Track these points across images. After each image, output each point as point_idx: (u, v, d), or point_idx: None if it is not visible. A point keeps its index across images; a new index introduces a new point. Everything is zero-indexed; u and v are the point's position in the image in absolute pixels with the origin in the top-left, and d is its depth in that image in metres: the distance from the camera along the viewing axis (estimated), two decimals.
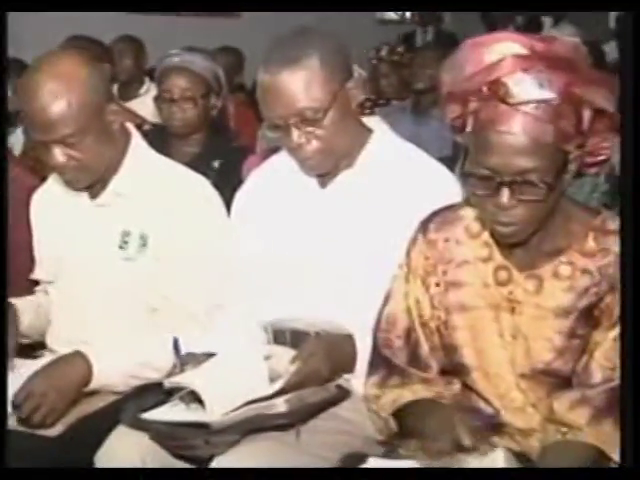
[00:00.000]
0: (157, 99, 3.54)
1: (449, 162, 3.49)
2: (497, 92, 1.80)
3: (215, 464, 1.96)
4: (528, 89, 1.79)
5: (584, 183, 3.46)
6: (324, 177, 2.32)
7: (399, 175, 2.29)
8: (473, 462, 1.76)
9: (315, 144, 2.20)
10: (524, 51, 1.82)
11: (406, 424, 2.00)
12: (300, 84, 2.16)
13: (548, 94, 1.79)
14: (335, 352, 2.16)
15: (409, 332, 2.06)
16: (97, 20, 4.95)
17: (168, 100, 3.45)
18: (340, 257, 2.27)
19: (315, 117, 2.17)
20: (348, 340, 2.20)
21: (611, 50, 6.82)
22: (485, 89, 1.82)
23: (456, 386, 2.03)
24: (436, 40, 8.16)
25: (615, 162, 3.85)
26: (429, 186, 2.26)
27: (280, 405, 2.01)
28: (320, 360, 2.11)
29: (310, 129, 2.19)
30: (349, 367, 2.19)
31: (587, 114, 1.84)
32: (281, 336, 2.33)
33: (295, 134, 2.19)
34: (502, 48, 1.83)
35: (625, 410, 1.65)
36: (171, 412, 2.05)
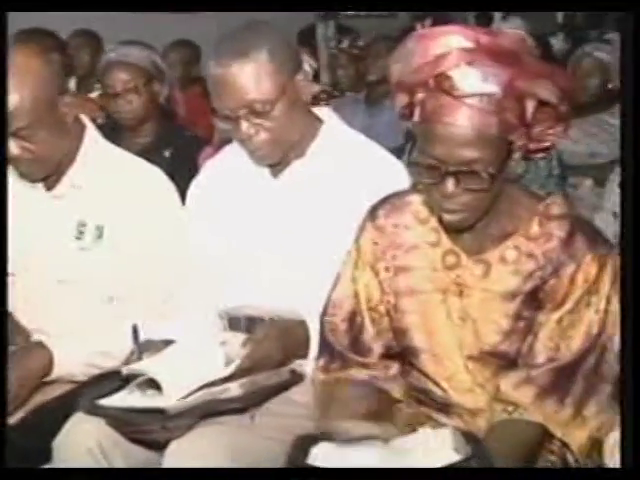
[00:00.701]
0: (102, 96, 3.56)
1: (400, 152, 3.52)
2: (443, 85, 1.81)
3: (171, 448, 1.96)
4: (473, 82, 1.80)
5: (540, 170, 3.49)
6: (276, 167, 2.33)
7: (349, 164, 2.30)
8: (420, 441, 1.76)
9: (264, 135, 2.21)
10: (470, 44, 1.82)
11: (349, 407, 1.99)
12: (249, 77, 2.17)
13: (492, 88, 1.80)
14: (287, 337, 2.17)
15: (354, 316, 2.06)
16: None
17: (112, 95, 3.49)
18: (293, 245, 2.28)
19: (264, 109, 2.18)
20: (301, 325, 2.20)
21: (558, 42, 6.88)
22: (431, 81, 1.83)
23: (393, 369, 2.04)
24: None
25: (562, 147, 3.93)
26: (378, 174, 2.27)
27: (234, 389, 2.02)
28: (272, 344, 2.12)
29: (259, 121, 2.19)
30: (302, 352, 2.19)
31: (531, 106, 1.84)
32: (236, 323, 2.34)
33: (244, 126, 2.19)
34: (448, 41, 1.83)
35: (625, 410, 1.64)
36: (128, 398, 2.04)
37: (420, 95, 1.85)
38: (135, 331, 2.19)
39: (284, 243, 2.29)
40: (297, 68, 2.25)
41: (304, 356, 2.20)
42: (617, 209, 3.38)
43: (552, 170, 3.50)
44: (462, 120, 1.80)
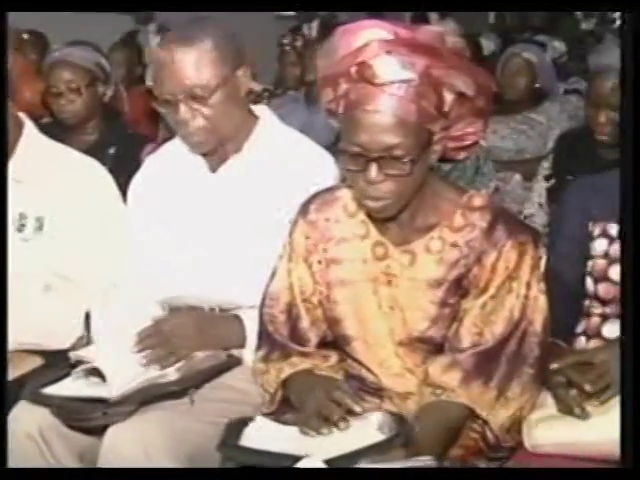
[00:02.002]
0: (45, 95, 3.53)
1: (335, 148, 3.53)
2: (364, 73, 1.83)
3: (109, 433, 1.96)
4: (391, 70, 1.82)
5: (467, 167, 3.53)
6: (214, 162, 2.34)
7: (284, 159, 2.32)
8: (354, 425, 1.78)
9: (200, 121, 2.22)
10: (389, 36, 1.85)
11: (289, 395, 2.01)
12: (191, 62, 2.19)
13: (410, 75, 1.82)
14: (208, 327, 2.20)
15: (291, 308, 2.06)
16: None
17: (55, 94, 3.46)
18: (231, 236, 2.29)
19: (202, 94, 2.20)
20: (235, 317, 2.24)
21: (489, 43, 6.95)
22: (353, 71, 1.84)
23: (332, 359, 2.04)
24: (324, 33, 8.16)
25: (487, 145, 3.97)
26: (312, 169, 2.29)
27: (172, 374, 2.05)
28: (188, 331, 2.16)
29: (197, 106, 2.21)
30: (238, 342, 2.22)
31: (448, 97, 1.87)
32: (177, 312, 2.34)
33: (182, 109, 2.21)
34: (369, 34, 1.85)
35: (625, 410, 1.63)
36: (72, 387, 2.04)
37: (344, 86, 1.87)
38: (87, 318, 2.20)
39: (222, 235, 2.29)
40: (239, 64, 2.26)
41: (241, 346, 2.22)
42: (543, 200, 3.45)
43: (480, 168, 3.54)
44: (383, 107, 1.82)
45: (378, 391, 2.02)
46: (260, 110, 2.41)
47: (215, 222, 2.32)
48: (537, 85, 4.65)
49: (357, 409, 1.81)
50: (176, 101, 2.20)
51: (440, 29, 1.94)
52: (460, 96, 1.88)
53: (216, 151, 2.31)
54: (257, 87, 5.35)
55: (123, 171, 2.70)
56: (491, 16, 13.70)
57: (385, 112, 1.82)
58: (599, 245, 2.06)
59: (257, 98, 5.16)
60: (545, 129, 4.48)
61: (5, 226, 2.27)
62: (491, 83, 1.96)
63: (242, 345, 2.21)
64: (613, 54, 2.99)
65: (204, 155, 2.34)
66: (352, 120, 1.85)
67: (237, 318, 2.24)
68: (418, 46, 1.84)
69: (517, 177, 4.32)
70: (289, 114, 4.66)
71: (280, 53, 5.66)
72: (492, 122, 4.47)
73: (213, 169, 2.35)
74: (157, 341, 2.13)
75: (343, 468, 1.62)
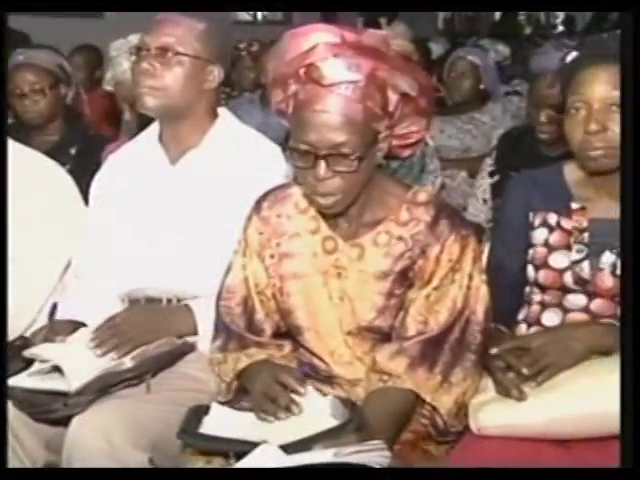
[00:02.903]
0: (10, 97, 3.50)
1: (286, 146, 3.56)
2: (312, 74, 1.84)
3: (73, 423, 1.96)
4: (338, 72, 1.83)
5: (413, 165, 3.56)
6: (174, 154, 2.37)
7: (240, 155, 2.34)
8: (308, 412, 1.79)
9: (155, 81, 2.29)
10: (336, 40, 1.86)
11: (245, 384, 2.02)
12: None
13: (356, 76, 1.83)
14: (159, 318, 2.22)
15: (246, 300, 2.07)
16: None
17: (19, 95, 3.44)
18: (189, 229, 2.30)
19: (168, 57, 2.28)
20: (185, 307, 2.25)
21: (437, 47, 6.99)
22: (302, 72, 1.85)
23: (287, 348, 2.05)
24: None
25: (435, 144, 4.00)
26: (266, 166, 2.31)
27: (127, 362, 2.04)
28: (135, 325, 2.16)
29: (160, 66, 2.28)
30: (182, 331, 2.23)
31: (393, 97, 1.89)
32: (136, 304, 2.34)
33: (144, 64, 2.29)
34: (317, 37, 1.86)
35: (625, 410, 1.61)
36: (31, 380, 2.03)
37: (293, 87, 1.87)
38: (53, 309, 2.21)
39: (181, 227, 2.31)
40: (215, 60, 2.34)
41: (193, 334, 2.23)
42: (487, 196, 3.48)
43: (426, 166, 3.57)
44: (331, 107, 1.83)
45: (329, 378, 2.03)
46: (220, 110, 2.44)
47: (173, 215, 2.33)
48: (481, 87, 4.69)
49: (300, 390, 1.83)
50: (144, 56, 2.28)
51: (385, 33, 1.96)
52: (404, 96, 1.90)
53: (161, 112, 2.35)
54: (214, 93, 5.34)
55: (84, 170, 2.72)
56: (440, 21, 13.85)
57: (332, 112, 1.83)
58: (539, 234, 2.08)
59: (214, 104, 5.15)
60: (489, 128, 4.53)
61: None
62: (432, 84, 1.98)
63: (194, 333, 2.23)
64: (552, 58, 3.03)
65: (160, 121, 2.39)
66: (301, 119, 1.86)
67: (187, 308, 2.25)
68: (363, 49, 1.86)
69: (463, 174, 4.36)
70: (245, 115, 4.64)
71: (236, 57, 5.66)
72: (439, 122, 4.54)
73: (172, 162, 2.37)
74: (111, 333, 2.13)
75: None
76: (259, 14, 10.92)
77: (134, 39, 2.93)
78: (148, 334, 2.15)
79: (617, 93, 1.93)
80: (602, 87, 1.95)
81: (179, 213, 2.33)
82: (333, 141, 1.83)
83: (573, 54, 2.04)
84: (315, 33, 1.87)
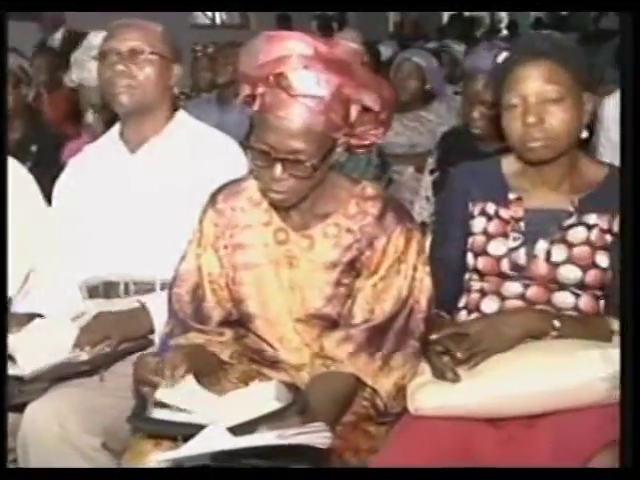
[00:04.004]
0: None
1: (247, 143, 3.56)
2: (281, 83, 1.82)
3: (28, 410, 1.93)
4: (307, 85, 1.82)
5: (360, 160, 3.56)
6: (133, 144, 2.41)
7: (197, 144, 2.39)
8: (248, 394, 1.79)
9: (128, 80, 2.34)
10: (309, 51, 1.84)
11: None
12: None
13: (322, 91, 1.82)
14: (126, 322, 2.20)
15: (197, 288, 2.06)
16: None
17: None
18: (147, 215, 2.31)
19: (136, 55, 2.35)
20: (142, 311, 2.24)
21: (386, 50, 7.01)
22: (271, 78, 1.84)
23: (227, 335, 2.05)
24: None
25: (386, 139, 4.01)
26: (222, 158, 2.34)
27: (83, 355, 2.02)
28: (106, 330, 2.14)
29: (129, 65, 2.34)
30: (141, 332, 2.23)
31: (355, 110, 1.88)
32: (94, 291, 2.35)
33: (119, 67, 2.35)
34: (291, 45, 1.84)
35: (625, 410, 1.58)
36: None
37: (261, 89, 1.86)
38: (10, 301, 2.20)
39: (140, 214, 2.32)
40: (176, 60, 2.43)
41: (151, 332, 2.23)
42: (429, 193, 3.50)
43: (371, 161, 3.58)
44: (294, 115, 1.82)
45: (275, 364, 2.03)
46: (178, 112, 2.49)
47: (132, 202, 2.33)
48: (427, 87, 4.72)
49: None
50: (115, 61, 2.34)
51: (357, 46, 1.94)
52: (365, 108, 1.90)
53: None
54: (175, 90, 5.33)
55: (44, 167, 2.77)
56: (390, 25, 13.92)
57: (295, 119, 1.82)
58: (478, 223, 2.10)
59: (175, 100, 5.13)
60: (434, 126, 4.55)
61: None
62: (395, 98, 1.98)
63: (151, 332, 2.22)
64: (483, 58, 3.06)
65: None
66: (264, 121, 1.85)
67: (144, 308, 2.25)
68: (334, 62, 1.84)
69: (410, 170, 4.39)
70: (203, 114, 4.63)
71: (193, 59, 5.65)
72: None
73: (132, 151, 2.40)
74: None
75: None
76: (217, 17, 10.88)
77: (95, 39, 2.91)
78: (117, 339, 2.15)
79: (551, 87, 1.97)
80: (536, 83, 1.97)
81: (138, 200, 2.34)
82: (292, 147, 1.83)
83: (504, 54, 2.07)
84: (289, 41, 1.85)
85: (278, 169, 1.85)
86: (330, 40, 1.91)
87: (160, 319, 2.16)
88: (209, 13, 10.80)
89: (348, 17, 11.77)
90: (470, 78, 3.23)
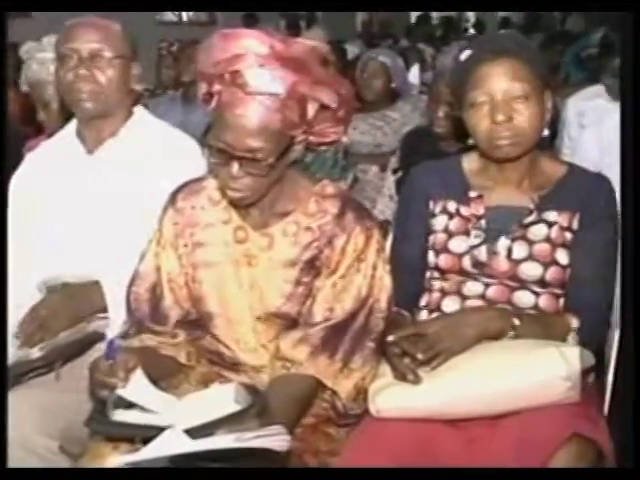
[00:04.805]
0: None
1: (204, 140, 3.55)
2: (236, 81, 1.81)
3: None
4: (262, 82, 1.80)
5: (326, 159, 3.55)
6: (91, 144, 2.38)
7: (155, 145, 2.37)
8: (208, 396, 1.76)
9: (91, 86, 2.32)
10: (264, 49, 1.82)
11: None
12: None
13: (278, 89, 1.81)
14: (79, 299, 2.18)
15: (155, 287, 2.04)
16: None
17: None
18: (106, 215, 2.29)
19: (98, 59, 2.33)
20: (97, 289, 2.21)
21: (353, 49, 7.01)
22: (227, 76, 1.82)
23: (180, 337, 2.02)
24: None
25: (348, 140, 4.01)
26: (182, 157, 2.32)
27: (35, 351, 2.01)
28: (58, 306, 2.13)
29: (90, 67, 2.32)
30: (100, 313, 2.20)
31: (312, 107, 1.87)
32: (54, 291, 2.30)
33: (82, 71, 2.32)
34: (246, 43, 1.83)
35: (625, 410, 1.59)
36: None
37: (217, 87, 1.84)
38: None
39: (98, 214, 2.29)
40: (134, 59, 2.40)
41: (104, 317, 2.20)
42: (392, 192, 3.50)
43: (337, 162, 3.57)
44: (250, 113, 1.81)
45: (234, 365, 2.01)
46: (136, 108, 2.46)
47: (91, 202, 2.31)
48: (392, 86, 4.72)
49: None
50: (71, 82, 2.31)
51: (313, 43, 1.93)
52: (323, 106, 1.89)
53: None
54: (139, 87, 5.28)
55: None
56: (358, 24, 13.95)
57: (251, 118, 1.81)
58: (440, 221, 2.10)
59: (139, 97, 5.10)
60: (399, 125, 4.55)
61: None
62: (352, 95, 1.97)
63: (104, 310, 2.20)
64: (452, 57, 3.06)
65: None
66: (221, 119, 1.84)
67: (98, 284, 2.23)
68: (290, 61, 1.83)
69: (375, 169, 4.39)
70: (167, 112, 4.61)
71: (158, 57, 5.62)
72: (353, 119, 4.51)
73: (90, 152, 2.38)
74: (36, 326, 2.08)
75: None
76: (184, 15, 10.82)
77: (48, 42, 2.87)
78: (67, 320, 2.13)
79: (517, 85, 1.97)
80: (502, 80, 1.98)
81: (96, 200, 2.31)
82: (249, 145, 1.82)
83: (467, 52, 2.06)
84: (245, 39, 1.83)
85: (235, 167, 1.84)
86: (286, 38, 1.89)
87: (115, 302, 2.14)
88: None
89: (316, 16, 11.76)
90: (436, 76, 3.24)
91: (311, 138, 1.94)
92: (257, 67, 1.80)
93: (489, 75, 1.98)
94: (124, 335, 2.02)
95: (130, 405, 1.72)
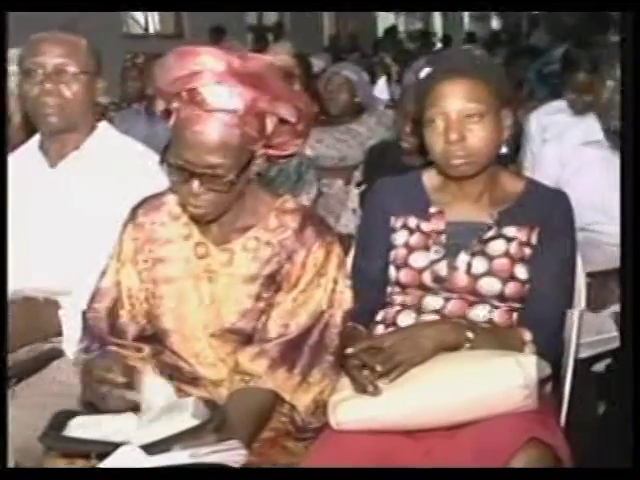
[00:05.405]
0: None
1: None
2: (194, 99, 1.82)
3: None
4: (220, 99, 1.81)
5: (290, 174, 3.56)
6: (54, 158, 2.38)
7: (117, 159, 2.36)
8: (165, 411, 1.76)
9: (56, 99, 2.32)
10: (221, 65, 1.83)
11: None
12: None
13: (236, 105, 1.82)
14: (37, 317, 2.17)
15: (115, 303, 2.04)
16: None
17: None
18: (68, 229, 2.27)
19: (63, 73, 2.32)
20: (54, 305, 2.20)
21: (319, 62, 7.03)
22: (184, 94, 1.83)
23: (145, 351, 2.02)
24: None
25: (313, 154, 4.02)
26: (143, 172, 2.30)
27: None
28: (17, 323, 2.11)
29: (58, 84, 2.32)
30: (56, 330, 2.19)
31: (271, 122, 1.88)
32: (14, 305, 2.27)
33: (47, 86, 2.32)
34: (203, 60, 1.83)
35: (625, 410, 1.58)
36: None
37: (175, 104, 1.85)
38: None
39: (60, 228, 2.28)
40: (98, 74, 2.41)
41: (59, 334, 2.19)
42: (355, 206, 3.51)
43: (302, 175, 3.58)
44: (209, 130, 1.81)
45: (193, 380, 2.01)
46: (100, 123, 2.47)
47: (52, 216, 2.30)
48: (357, 100, 4.74)
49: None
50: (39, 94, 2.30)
51: (271, 59, 1.94)
52: (282, 121, 1.90)
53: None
54: (104, 100, 5.27)
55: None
56: (325, 37, 14.03)
57: (211, 134, 1.81)
58: (400, 236, 2.11)
59: (104, 110, 5.08)
60: (364, 139, 4.57)
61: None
62: (312, 109, 1.98)
63: (59, 333, 2.19)
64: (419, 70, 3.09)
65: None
66: (180, 136, 1.84)
67: (56, 305, 2.22)
68: (247, 77, 1.83)
69: (340, 182, 4.40)
70: (132, 125, 4.60)
71: (123, 69, 5.60)
72: (318, 132, 4.57)
73: (52, 165, 2.37)
74: None
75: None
76: (151, 27, 10.81)
77: (11, 55, 2.85)
78: (26, 336, 2.12)
79: (471, 105, 1.98)
80: (458, 100, 1.99)
81: (58, 214, 2.30)
82: (208, 162, 1.82)
83: (426, 70, 2.08)
84: (202, 56, 1.84)
85: (195, 184, 1.84)
86: (244, 54, 1.90)
87: (70, 323, 2.14)
88: (142, 22, 10.73)
89: (284, 29, 11.81)
90: (404, 92, 3.26)
91: (270, 151, 1.95)
92: (215, 84, 1.81)
93: (444, 94, 2.00)
94: (85, 350, 2.02)
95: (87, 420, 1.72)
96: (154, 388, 1.76)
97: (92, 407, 1.88)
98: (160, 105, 1.91)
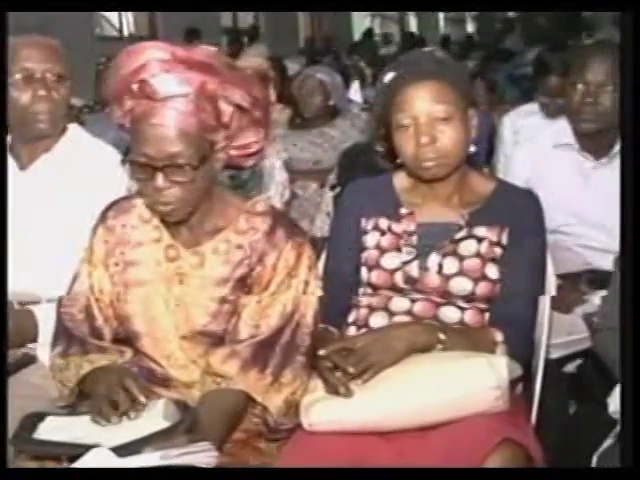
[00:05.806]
0: None
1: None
2: (145, 91, 1.83)
3: None
4: (169, 86, 1.83)
5: (263, 177, 3.56)
6: (24, 160, 2.38)
7: (88, 161, 2.36)
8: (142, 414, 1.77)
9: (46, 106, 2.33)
10: (167, 55, 1.86)
11: (86, 389, 1.97)
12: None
13: (186, 90, 1.84)
14: (13, 323, 2.14)
15: (88, 307, 2.04)
16: None
17: None
18: (38, 233, 2.28)
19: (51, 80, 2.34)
20: (29, 312, 2.20)
21: (293, 65, 7.05)
22: (135, 88, 1.84)
23: (127, 354, 2.02)
24: None
25: (287, 156, 4.02)
26: (113, 175, 2.31)
27: None
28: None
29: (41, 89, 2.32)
30: (31, 336, 2.18)
31: (226, 109, 1.89)
32: None
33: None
34: (149, 54, 1.86)
35: (625, 410, 1.57)
36: None
37: (128, 102, 1.86)
38: None
39: (30, 232, 2.28)
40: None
41: (34, 340, 2.18)
42: (330, 209, 3.52)
43: (274, 178, 3.59)
44: (165, 120, 1.83)
45: (165, 381, 2.01)
46: (71, 125, 2.46)
47: (22, 219, 2.29)
48: (331, 102, 4.76)
49: (141, 399, 1.80)
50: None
51: (215, 49, 1.95)
52: (239, 108, 1.91)
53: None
54: (78, 103, 5.27)
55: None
56: (301, 40, 14.05)
57: (167, 125, 1.83)
58: (372, 238, 2.12)
59: (78, 113, 5.08)
60: (338, 142, 4.58)
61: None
62: (268, 97, 1.98)
63: (34, 339, 2.18)
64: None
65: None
66: (138, 133, 1.85)
67: (30, 313, 2.21)
68: (193, 64, 1.86)
69: (314, 185, 4.42)
70: (105, 128, 4.57)
71: (97, 72, 5.59)
72: (292, 135, 4.60)
73: (23, 168, 2.37)
74: None
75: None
76: (125, 29, 10.78)
77: None
78: None
79: (440, 107, 2.00)
80: (426, 103, 2.01)
81: (28, 217, 2.30)
82: (169, 152, 1.83)
83: (391, 74, 2.09)
84: (147, 50, 1.86)
85: (160, 178, 1.85)
86: (189, 47, 1.92)
87: (46, 329, 2.13)
88: (116, 24, 10.70)
89: (258, 32, 11.81)
90: (378, 94, 3.26)
91: (234, 152, 1.97)
92: (162, 72, 1.84)
93: (412, 98, 2.01)
94: (63, 352, 2.01)
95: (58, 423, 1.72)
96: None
97: (69, 407, 1.88)
98: (115, 111, 1.91)
